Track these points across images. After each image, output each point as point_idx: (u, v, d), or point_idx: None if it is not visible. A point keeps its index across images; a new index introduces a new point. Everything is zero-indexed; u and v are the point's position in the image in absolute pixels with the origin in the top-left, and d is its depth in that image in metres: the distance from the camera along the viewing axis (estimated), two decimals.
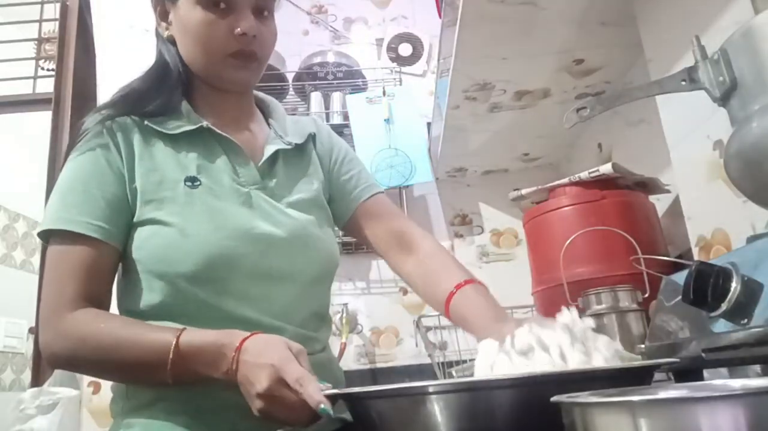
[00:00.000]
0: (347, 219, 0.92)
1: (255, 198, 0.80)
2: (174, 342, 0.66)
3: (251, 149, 0.85)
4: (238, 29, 0.76)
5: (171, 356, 0.66)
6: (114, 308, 0.79)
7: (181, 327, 0.69)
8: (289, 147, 0.87)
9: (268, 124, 0.91)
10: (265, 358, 0.62)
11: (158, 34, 0.85)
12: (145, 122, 0.78)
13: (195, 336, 0.67)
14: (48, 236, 0.74)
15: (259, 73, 0.84)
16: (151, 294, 0.74)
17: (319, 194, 0.88)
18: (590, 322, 0.61)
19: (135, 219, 0.75)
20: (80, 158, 0.76)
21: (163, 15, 0.83)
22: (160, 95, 0.80)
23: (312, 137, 0.94)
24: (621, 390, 0.38)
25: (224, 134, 0.81)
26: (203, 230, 0.73)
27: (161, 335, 0.68)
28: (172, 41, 0.82)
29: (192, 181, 0.77)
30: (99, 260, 0.73)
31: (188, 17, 0.78)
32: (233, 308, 0.74)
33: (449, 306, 0.80)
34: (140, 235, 0.75)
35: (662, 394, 0.37)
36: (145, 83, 0.82)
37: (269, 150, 0.85)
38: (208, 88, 0.83)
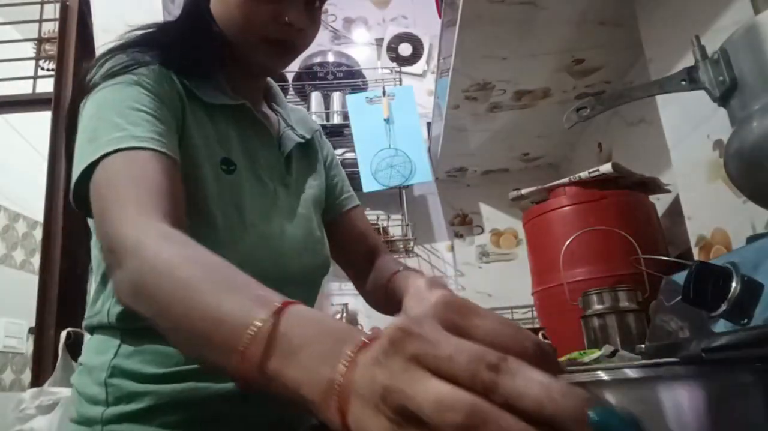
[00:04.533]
0: (326, 223, 0.86)
1: (280, 197, 0.76)
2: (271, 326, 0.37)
3: None
4: (287, 18, 0.68)
5: (265, 341, 0.37)
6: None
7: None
8: (303, 141, 0.83)
9: (272, 109, 0.85)
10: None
11: None
12: (185, 82, 0.67)
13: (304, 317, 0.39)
14: (89, 175, 0.56)
15: (289, 64, 0.76)
16: None
17: (321, 193, 0.85)
18: None
19: None
20: (122, 85, 0.61)
21: None
22: (193, 52, 0.69)
23: (316, 133, 0.90)
24: None
25: (258, 116, 0.74)
26: (232, 231, 0.66)
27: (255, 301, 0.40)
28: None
29: (227, 164, 0.69)
30: (174, 180, 0.57)
31: None
32: None
33: (387, 286, 0.76)
34: None
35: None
36: (174, 33, 0.72)
37: (288, 144, 0.80)
38: (233, 64, 0.74)
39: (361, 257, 0.88)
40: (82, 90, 0.63)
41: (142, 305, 0.47)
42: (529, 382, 0.25)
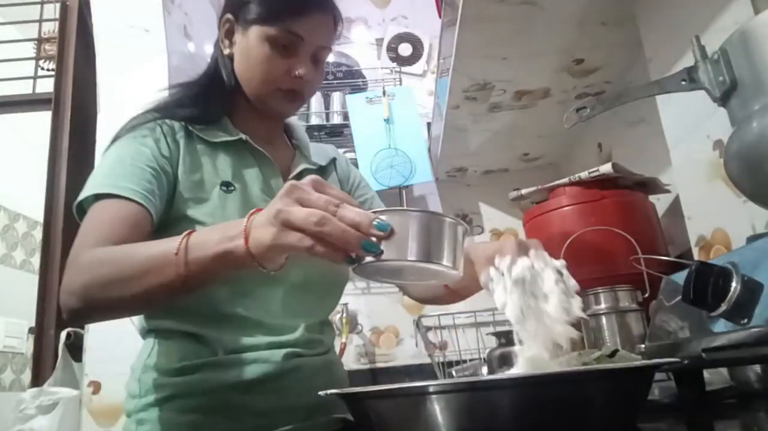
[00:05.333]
0: None
1: None
2: (185, 235, 0.64)
3: (279, 165, 0.91)
4: (297, 72, 0.84)
5: (180, 242, 0.63)
6: None
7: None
8: (314, 167, 0.96)
9: (292, 145, 0.99)
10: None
11: (218, 48, 0.91)
12: (189, 128, 0.85)
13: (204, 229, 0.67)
14: (89, 204, 0.75)
15: (298, 109, 0.93)
16: None
17: None
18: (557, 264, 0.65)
19: (173, 214, 0.80)
20: (131, 140, 0.81)
21: (228, 34, 0.89)
22: (208, 105, 0.88)
23: (333, 161, 1.02)
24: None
25: (259, 147, 0.89)
26: None
27: (171, 238, 0.66)
28: (230, 58, 0.89)
29: (227, 186, 0.84)
30: (137, 220, 0.74)
31: (255, 48, 0.84)
32: (248, 308, 0.81)
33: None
34: (176, 231, 0.74)
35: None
36: (196, 89, 0.90)
37: (298, 167, 0.92)
38: (249, 107, 0.90)
39: None
40: (120, 133, 0.84)
41: (96, 287, 0.66)
42: (350, 212, 0.54)
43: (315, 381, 0.82)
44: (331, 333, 0.95)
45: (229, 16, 0.88)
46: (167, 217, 0.80)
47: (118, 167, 0.77)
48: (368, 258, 0.53)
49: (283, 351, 0.81)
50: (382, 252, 0.53)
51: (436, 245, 0.54)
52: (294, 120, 1.03)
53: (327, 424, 0.82)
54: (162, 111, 0.86)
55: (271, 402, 0.79)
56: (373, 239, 0.53)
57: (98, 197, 0.75)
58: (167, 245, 0.64)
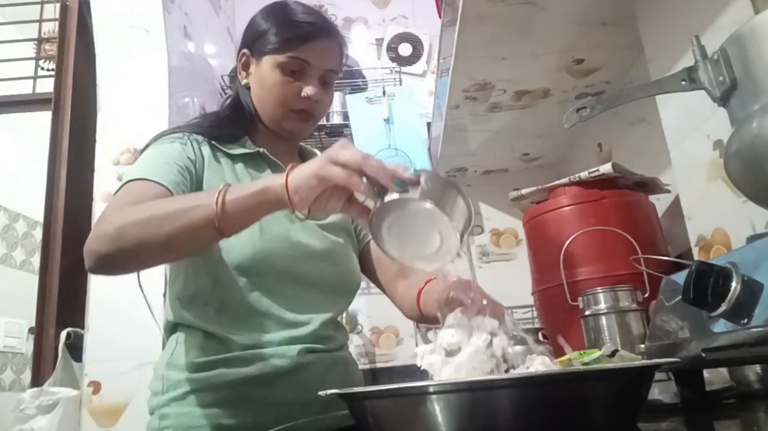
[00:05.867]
0: (359, 253, 1.04)
1: (296, 219, 0.87)
2: (224, 185, 0.70)
3: None
4: (305, 93, 0.92)
5: (220, 188, 0.69)
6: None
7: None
8: None
9: None
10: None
11: (237, 80, 1.01)
12: (213, 143, 0.94)
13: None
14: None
15: (311, 128, 1.02)
16: (196, 280, 0.86)
17: (347, 223, 1.02)
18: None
19: None
20: (165, 144, 0.89)
21: (245, 66, 0.98)
22: (231, 127, 0.98)
23: None
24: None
25: (275, 159, 0.97)
26: (251, 232, 0.82)
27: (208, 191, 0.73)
28: (247, 87, 0.98)
29: None
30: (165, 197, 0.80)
31: (267, 75, 0.93)
32: (265, 302, 0.86)
33: (420, 297, 0.92)
34: None
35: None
36: (222, 115, 1.01)
37: None
38: (266, 129, 0.98)
39: (397, 275, 1.01)
40: (153, 140, 0.92)
41: (130, 227, 0.70)
42: (379, 162, 0.62)
43: (330, 376, 0.87)
44: (344, 333, 0.99)
45: (245, 50, 0.97)
46: None
47: (148, 164, 0.85)
48: (392, 196, 0.60)
49: (299, 346, 0.86)
50: (407, 190, 0.60)
51: (451, 205, 0.61)
52: (309, 147, 1.11)
53: (343, 418, 0.85)
54: (190, 128, 0.96)
55: (288, 395, 0.84)
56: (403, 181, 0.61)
57: (129, 182, 0.81)
58: (205, 194, 0.73)
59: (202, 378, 0.83)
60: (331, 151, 0.63)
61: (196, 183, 0.88)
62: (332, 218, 0.98)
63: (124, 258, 0.73)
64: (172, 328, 0.91)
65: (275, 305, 0.87)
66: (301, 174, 0.65)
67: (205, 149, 0.93)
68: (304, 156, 1.08)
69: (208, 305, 0.86)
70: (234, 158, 0.95)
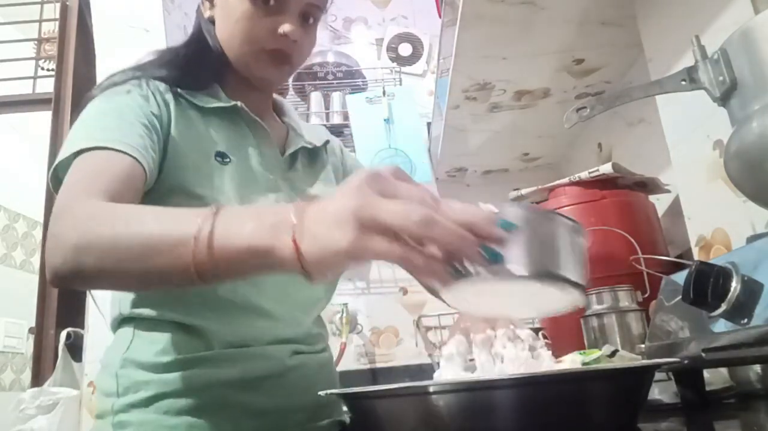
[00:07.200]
0: None
1: (282, 189, 0.80)
2: (209, 212, 0.49)
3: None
4: (282, 29, 0.75)
5: (203, 221, 0.48)
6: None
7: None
8: (310, 146, 0.88)
9: (283, 122, 0.92)
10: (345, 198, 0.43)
11: (200, 12, 0.84)
12: (177, 91, 0.76)
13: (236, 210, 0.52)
14: (70, 164, 0.64)
15: (287, 77, 0.84)
16: None
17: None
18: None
19: (164, 183, 0.71)
20: (112, 95, 0.71)
21: None
22: (196, 70, 0.79)
23: (325, 144, 0.94)
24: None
25: (255, 116, 0.80)
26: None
27: (193, 210, 0.52)
28: (212, 21, 0.81)
29: (222, 156, 0.76)
30: (132, 174, 0.64)
31: (235, 5, 0.76)
32: (250, 296, 0.73)
33: None
34: (166, 202, 0.69)
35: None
36: (181, 54, 0.82)
37: (294, 144, 0.86)
38: (237, 78, 0.82)
39: None
40: (87, 100, 0.72)
41: (89, 251, 0.53)
42: (458, 207, 0.44)
43: (316, 380, 0.78)
44: (326, 327, 0.91)
45: None
46: (155, 185, 0.70)
47: (101, 121, 0.67)
48: (479, 270, 0.40)
49: (289, 346, 0.77)
50: (501, 258, 0.40)
51: (565, 254, 0.42)
52: (282, 99, 0.96)
53: (329, 427, 0.79)
54: (145, 70, 0.77)
55: (272, 401, 0.73)
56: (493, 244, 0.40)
57: (80, 153, 0.63)
58: (186, 222, 0.49)
59: (172, 379, 0.68)
60: (362, 200, 0.41)
61: (163, 144, 0.71)
62: (319, 191, 0.85)
63: (82, 282, 0.58)
64: (127, 318, 0.74)
65: (265, 299, 0.74)
66: (325, 245, 0.43)
67: (170, 100, 0.75)
68: (279, 111, 0.92)
69: (180, 296, 0.71)
70: (205, 112, 0.77)
